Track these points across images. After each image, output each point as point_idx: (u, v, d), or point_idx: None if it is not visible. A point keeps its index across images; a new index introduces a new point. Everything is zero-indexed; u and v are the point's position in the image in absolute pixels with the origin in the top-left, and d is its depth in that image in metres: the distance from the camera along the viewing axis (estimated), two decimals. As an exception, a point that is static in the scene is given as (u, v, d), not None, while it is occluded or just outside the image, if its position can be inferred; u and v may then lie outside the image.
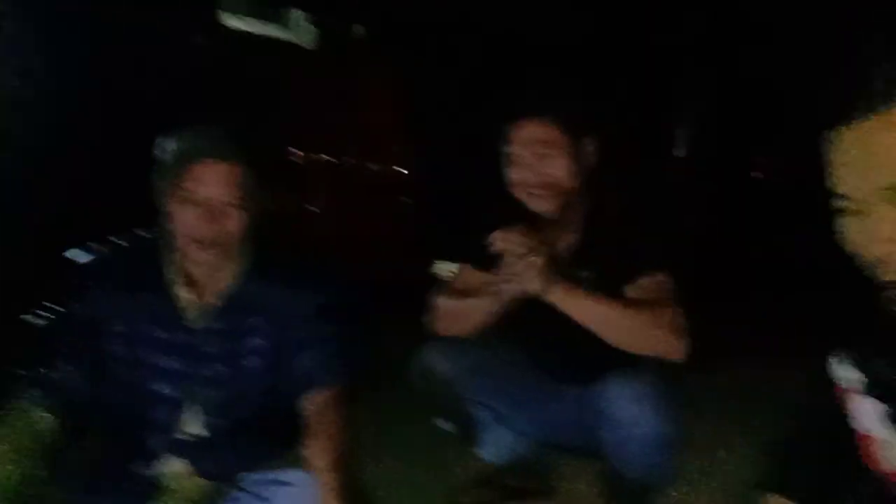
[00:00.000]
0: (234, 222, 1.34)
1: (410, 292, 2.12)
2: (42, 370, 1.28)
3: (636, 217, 1.87)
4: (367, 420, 2.35)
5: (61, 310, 1.36)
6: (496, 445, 2.02)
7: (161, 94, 3.27)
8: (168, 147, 1.36)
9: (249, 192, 1.35)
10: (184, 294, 1.39)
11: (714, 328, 1.74)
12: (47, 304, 1.37)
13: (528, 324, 2.01)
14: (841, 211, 0.86)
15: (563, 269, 1.86)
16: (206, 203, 1.32)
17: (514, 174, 1.85)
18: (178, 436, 1.39)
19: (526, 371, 2.03)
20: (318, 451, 1.30)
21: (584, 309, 1.70)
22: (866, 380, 1.04)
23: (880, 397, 1.01)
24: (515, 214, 1.86)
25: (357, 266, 2.95)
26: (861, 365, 1.05)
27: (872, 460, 1.01)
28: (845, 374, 1.08)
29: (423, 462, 2.22)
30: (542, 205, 1.82)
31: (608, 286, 1.77)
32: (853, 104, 0.79)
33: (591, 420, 1.79)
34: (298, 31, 4.18)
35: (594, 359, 1.82)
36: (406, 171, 3.20)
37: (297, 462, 1.33)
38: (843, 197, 0.85)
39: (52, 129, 2.92)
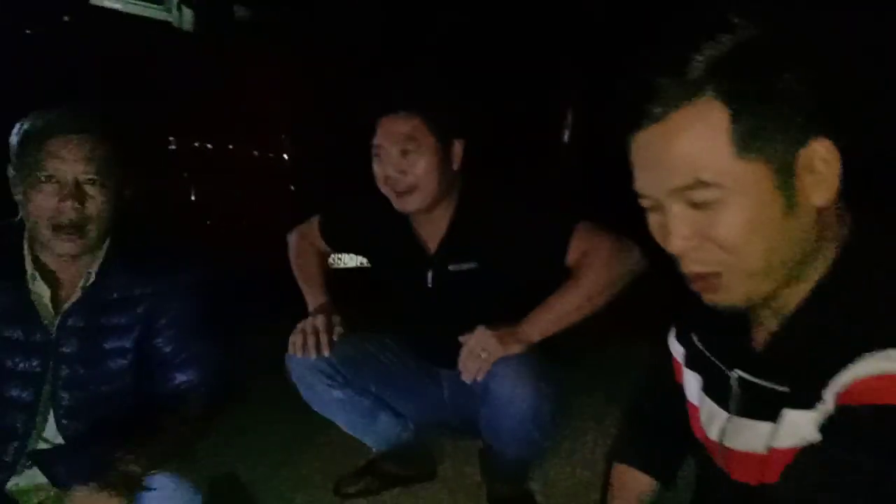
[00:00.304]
0: (95, 203, 1.28)
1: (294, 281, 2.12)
2: None
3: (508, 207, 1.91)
4: (250, 418, 2.35)
5: None
6: (380, 433, 2.04)
7: (23, 76, 3.07)
8: (21, 128, 1.29)
9: (109, 168, 1.30)
10: (41, 290, 1.31)
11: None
12: None
13: (408, 313, 2.06)
14: (644, 208, 0.93)
15: (440, 264, 1.92)
16: (62, 180, 1.25)
17: (379, 169, 1.86)
18: (35, 444, 1.32)
19: (407, 357, 2.07)
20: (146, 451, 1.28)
21: (553, 323, 1.76)
22: (686, 353, 1.14)
23: (698, 369, 1.11)
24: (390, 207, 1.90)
25: (239, 254, 2.92)
26: (683, 339, 1.15)
27: (697, 429, 1.11)
28: (676, 348, 1.18)
29: (308, 456, 2.23)
30: (407, 204, 1.84)
31: (539, 269, 1.84)
32: (639, 110, 0.86)
33: (471, 399, 1.86)
34: (177, 12, 4.02)
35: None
36: (288, 158, 3.15)
37: (163, 466, 1.31)
38: (642, 195, 0.92)
39: None
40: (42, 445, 1.36)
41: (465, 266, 1.89)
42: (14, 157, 1.30)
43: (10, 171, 1.33)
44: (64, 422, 1.35)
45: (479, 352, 1.72)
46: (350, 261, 3.26)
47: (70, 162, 1.26)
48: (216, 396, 1.48)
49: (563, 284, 1.79)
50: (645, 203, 0.91)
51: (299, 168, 3.25)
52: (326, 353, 1.87)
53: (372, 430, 2.04)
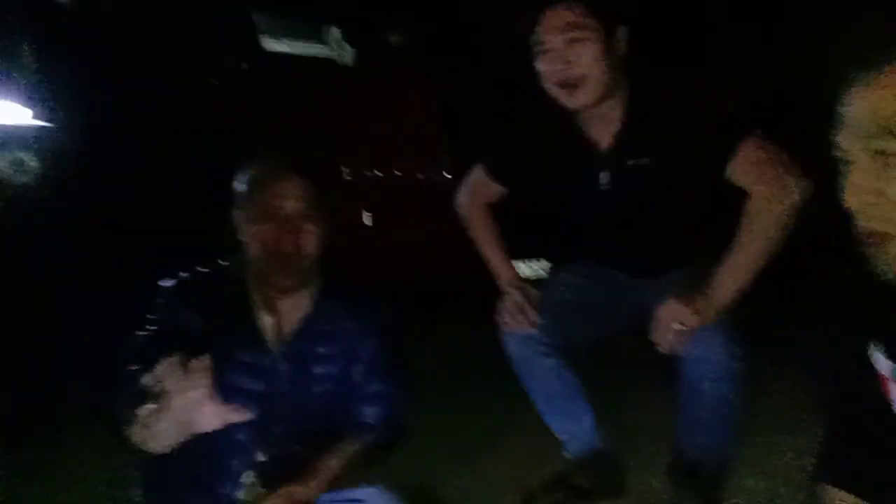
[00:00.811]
0: (310, 236, 1.43)
1: (473, 295, 2.19)
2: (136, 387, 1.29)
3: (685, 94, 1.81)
4: (441, 422, 2.44)
5: (152, 329, 1.42)
6: (578, 434, 1.98)
7: (215, 122, 3.41)
8: (245, 175, 1.46)
9: (318, 204, 1.44)
10: (266, 319, 1.46)
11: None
12: (140, 328, 1.43)
13: (584, 223, 2.00)
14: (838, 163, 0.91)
15: (616, 160, 1.82)
16: (283, 216, 1.41)
17: (544, 64, 1.77)
18: (258, 457, 1.45)
19: (594, 282, 2.01)
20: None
21: (740, 279, 1.69)
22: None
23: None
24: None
25: (414, 275, 3.06)
26: (891, 354, 1.07)
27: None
28: (882, 363, 1.10)
29: (494, 461, 2.27)
30: (576, 98, 1.75)
31: (705, 169, 1.73)
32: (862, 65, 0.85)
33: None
34: (338, 49, 4.29)
35: (663, 250, 1.85)
36: (452, 178, 3.26)
37: (368, 479, 1.41)
38: (839, 149, 0.90)
39: (113, 165, 3.10)
40: (260, 458, 1.49)
41: (641, 161, 1.79)
42: (239, 200, 1.46)
43: (235, 214, 1.48)
44: (278, 438, 1.48)
45: (673, 324, 1.67)
46: (526, 269, 3.31)
47: (288, 201, 1.42)
48: (396, 433, 1.55)
49: (737, 232, 1.69)
50: (840, 156, 0.90)
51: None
52: (535, 323, 1.86)
53: (570, 425, 1.98)
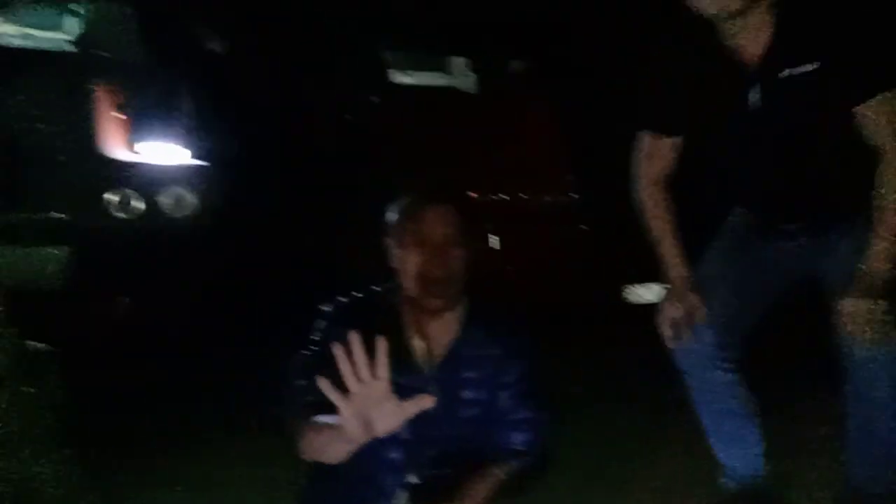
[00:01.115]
0: (457, 260, 1.50)
1: (602, 319, 2.20)
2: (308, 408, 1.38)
3: None
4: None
5: (316, 349, 1.52)
6: (747, 460, 1.87)
7: (352, 154, 3.60)
8: (396, 205, 1.56)
9: (464, 230, 1.51)
10: (418, 343, 1.54)
11: None
12: (304, 351, 1.54)
13: (731, 157, 1.81)
14: None
15: (768, 73, 1.64)
16: (433, 243, 1.49)
17: None
18: (410, 478, 1.52)
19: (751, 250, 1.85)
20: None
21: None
22: None
23: None
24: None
25: (545, 298, 3.08)
26: None
27: None
28: None
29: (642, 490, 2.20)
30: None
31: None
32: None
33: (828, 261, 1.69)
34: (461, 77, 4.42)
35: (829, 196, 1.70)
36: (578, 198, 3.27)
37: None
38: None
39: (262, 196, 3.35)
40: (412, 479, 1.55)
41: (801, 69, 1.59)
42: (392, 229, 1.56)
43: (386, 242, 1.58)
44: (429, 460, 1.54)
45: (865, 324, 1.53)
46: (651, 295, 3.25)
47: (440, 226, 1.50)
48: (544, 460, 1.58)
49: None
50: None
51: (587, 207, 3.36)
52: (695, 338, 1.74)
53: (739, 449, 1.86)
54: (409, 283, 1.51)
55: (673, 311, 1.78)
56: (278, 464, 1.89)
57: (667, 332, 1.79)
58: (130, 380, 2.82)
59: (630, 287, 3.24)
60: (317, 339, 1.53)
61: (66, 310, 2.90)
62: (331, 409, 1.27)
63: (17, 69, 3.17)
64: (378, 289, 1.62)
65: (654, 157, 1.86)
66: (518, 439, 1.55)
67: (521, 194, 3.40)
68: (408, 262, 1.51)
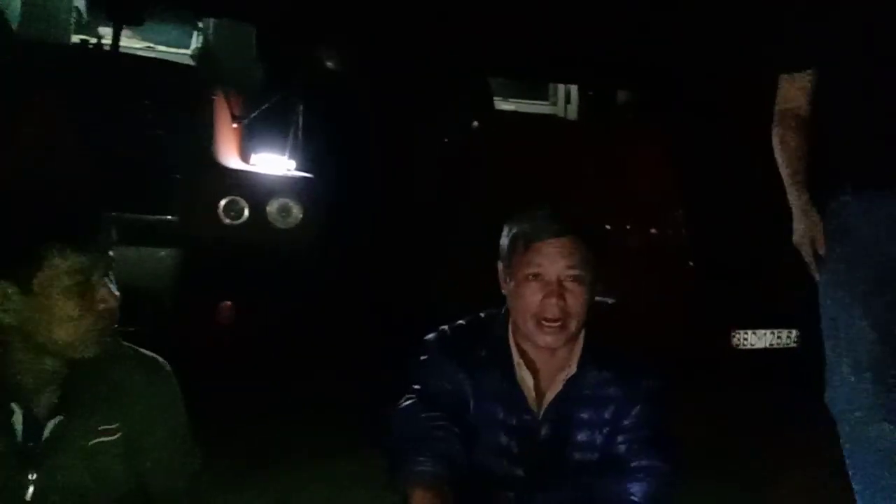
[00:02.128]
0: (577, 299, 1.36)
1: (708, 364, 2.07)
2: (431, 444, 1.33)
3: None
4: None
5: (418, 388, 1.42)
6: None
7: (450, 177, 3.61)
8: (510, 231, 1.42)
9: (586, 265, 1.37)
10: (526, 377, 1.41)
11: None
12: (408, 395, 1.43)
13: None
14: None
15: None
16: (547, 279, 1.36)
17: None
18: None
19: None
20: None
21: None
22: None
23: None
24: None
25: (654, 342, 2.94)
26: None
27: None
28: None
29: None
30: None
31: None
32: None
33: None
34: (563, 104, 4.40)
35: None
36: (685, 235, 3.15)
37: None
38: None
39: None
40: None
41: None
42: (505, 256, 1.44)
43: (500, 267, 1.46)
44: (540, 502, 1.44)
45: None
46: (758, 341, 3.08)
47: (554, 262, 1.37)
48: None
49: None
50: None
51: (695, 243, 3.22)
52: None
53: None
54: (522, 319, 1.40)
55: (800, 235, 1.75)
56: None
57: (808, 256, 1.74)
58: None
59: (739, 332, 3.07)
60: (419, 375, 1.45)
61: (176, 311, 2.98)
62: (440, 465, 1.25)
63: (140, 76, 3.33)
64: (483, 315, 1.50)
65: (785, 102, 1.86)
66: (635, 490, 1.39)
67: (627, 226, 3.30)
68: (522, 298, 1.38)
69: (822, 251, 1.69)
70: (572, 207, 1.50)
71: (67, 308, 1.11)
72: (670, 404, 1.47)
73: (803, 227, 1.75)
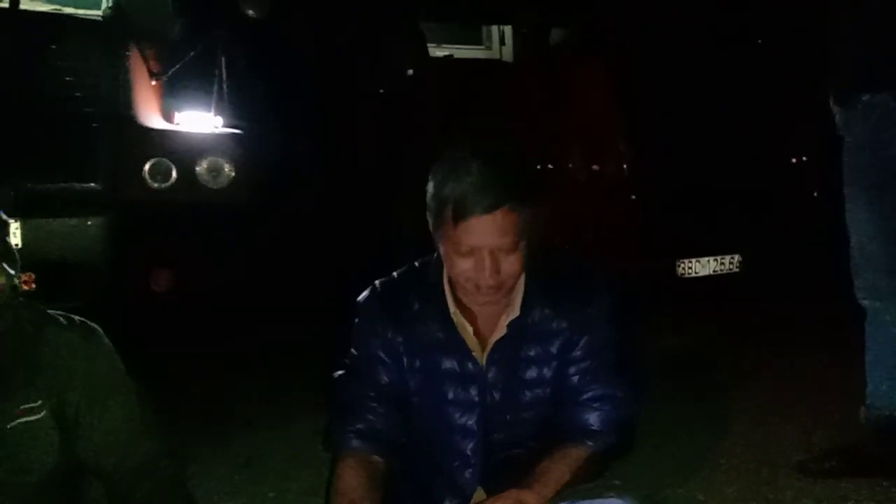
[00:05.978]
0: (514, 264, 1.27)
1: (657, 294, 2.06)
2: (359, 417, 1.32)
3: None
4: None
5: (355, 354, 1.38)
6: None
7: (385, 128, 3.51)
8: (435, 192, 1.28)
9: (521, 231, 1.26)
10: (465, 325, 1.36)
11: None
12: (344, 360, 1.39)
13: None
14: None
15: None
16: (479, 254, 1.25)
17: None
18: (481, 466, 1.39)
19: None
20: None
21: None
22: None
23: None
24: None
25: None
26: None
27: None
28: None
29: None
30: None
31: None
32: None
33: None
34: (498, 47, 4.31)
35: None
36: (627, 169, 3.14)
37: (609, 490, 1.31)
38: None
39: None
40: (486, 468, 1.40)
41: None
42: (432, 216, 1.30)
43: (430, 221, 1.32)
44: (498, 444, 1.41)
45: None
46: (703, 269, 3.12)
47: (487, 238, 1.25)
48: (625, 438, 1.39)
49: None
50: None
51: (637, 176, 3.22)
52: None
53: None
54: (455, 279, 1.32)
55: None
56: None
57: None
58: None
59: (682, 261, 3.10)
60: (352, 341, 1.39)
61: (102, 281, 2.85)
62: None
63: (50, 34, 3.10)
64: (418, 264, 1.42)
65: None
66: (592, 419, 1.36)
67: (569, 165, 3.27)
68: (454, 266, 1.29)
69: None
70: (506, 162, 1.35)
71: None
72: (624, 331, 1.41)
73: None
